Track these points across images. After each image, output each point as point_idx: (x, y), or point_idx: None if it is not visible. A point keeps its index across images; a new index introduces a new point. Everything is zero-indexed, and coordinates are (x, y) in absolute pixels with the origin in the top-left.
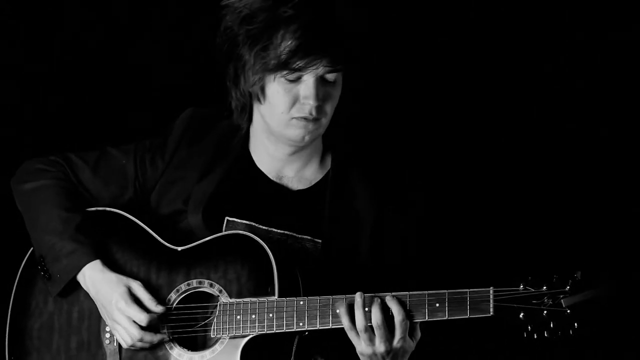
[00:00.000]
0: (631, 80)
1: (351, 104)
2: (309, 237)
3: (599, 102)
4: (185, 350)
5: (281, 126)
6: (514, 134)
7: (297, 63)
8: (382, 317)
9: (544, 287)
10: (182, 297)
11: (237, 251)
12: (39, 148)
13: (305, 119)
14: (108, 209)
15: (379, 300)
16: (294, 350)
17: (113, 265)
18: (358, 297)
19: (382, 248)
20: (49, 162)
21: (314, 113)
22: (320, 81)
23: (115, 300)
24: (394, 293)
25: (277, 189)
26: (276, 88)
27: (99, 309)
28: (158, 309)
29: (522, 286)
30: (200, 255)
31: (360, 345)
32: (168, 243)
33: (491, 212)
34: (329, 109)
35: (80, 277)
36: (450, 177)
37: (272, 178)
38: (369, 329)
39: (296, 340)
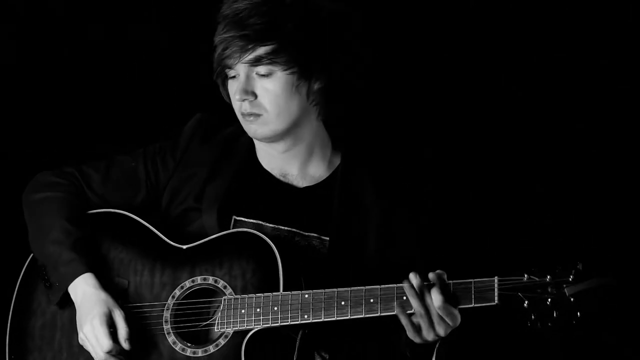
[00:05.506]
0: (631, 78)
1: (361, 103)
2: (315, 235)
3: (598, 98)
4: (189, 344)
5: (241, 122)
6: (514, 130)
7: (221, 56)
8: (442, 298)
9: (548, 277)
10: (186, 293)
11: (242, 248)
12: (40, 151)
13: (243, 115)
14: (112, 210)
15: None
16: (297, 344)
17: (118, 265)
18: (414, 280)
19: (390, 246)
20: (61, 175)
21: (244, 108)
22: (252, 76)
23: (92, 316)
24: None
25: (283, 187)
26: (227, 85)
27: (77, 318)
28: (125, 345)
29: (526, 276)
30: (205, 253)
31: (422, 331)
32: (174, 242)
33: (492, 205)
34: (268, 103)
35: (71, 287)
36: (454, 172)
37: (277, 176)
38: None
39: (300, 334)
